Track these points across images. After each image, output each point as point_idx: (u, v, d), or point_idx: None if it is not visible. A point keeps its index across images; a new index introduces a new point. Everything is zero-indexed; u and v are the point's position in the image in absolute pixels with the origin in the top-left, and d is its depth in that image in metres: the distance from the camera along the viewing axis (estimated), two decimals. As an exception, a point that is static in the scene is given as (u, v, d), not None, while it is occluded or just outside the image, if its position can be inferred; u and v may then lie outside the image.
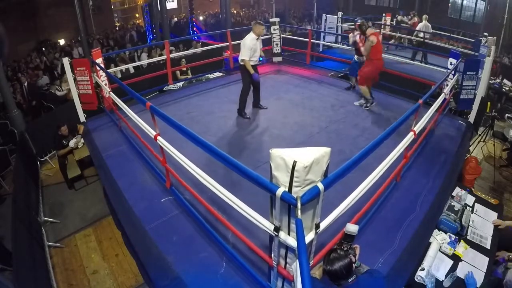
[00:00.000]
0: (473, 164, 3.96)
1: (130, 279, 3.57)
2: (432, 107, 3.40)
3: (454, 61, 4.58)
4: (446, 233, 2.73)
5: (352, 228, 1.68)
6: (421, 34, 8.62)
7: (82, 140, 4.90)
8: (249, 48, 4.21)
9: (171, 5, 18.49)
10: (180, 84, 6.54)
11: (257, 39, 4.34)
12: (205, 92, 5.59)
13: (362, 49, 4.71)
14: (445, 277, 2.38)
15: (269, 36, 6.78)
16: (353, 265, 1.65)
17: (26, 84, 7.05)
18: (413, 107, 2.72)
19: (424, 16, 8.86)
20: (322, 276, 1.77)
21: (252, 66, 4.33)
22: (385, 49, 7.92)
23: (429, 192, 3.02)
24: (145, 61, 8.03)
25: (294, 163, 1.38)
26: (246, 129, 4.24)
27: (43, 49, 12.26)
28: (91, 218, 4.53)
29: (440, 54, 6.45)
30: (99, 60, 4.64)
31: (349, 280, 1.60)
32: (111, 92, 4.02)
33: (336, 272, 1.58)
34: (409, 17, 9.87)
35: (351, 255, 1.65)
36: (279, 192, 1.43)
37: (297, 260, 1.26)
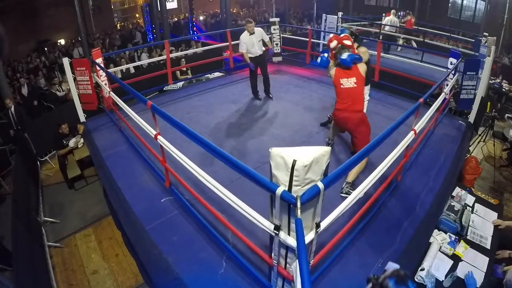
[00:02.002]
0: (473, 164, 3.96)
1: (130, 279, 3.57)
2: (432, 106, 3.40)
3: (454, 61, 4.58)
4: (446, 233, 2.72)
5: (392, 266, 1.62)
6: (387, 28, 9.13)
7: (82, 140, 4.91)
8: (243, 42, 4.87)
9: (171, 5, 18.50)
10: (180, 84, 6.54)
11: (250, 34, 4.87)
12: (205, 92, 5.59)
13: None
14: (445, 277, 2.38)
15: (269, 36, 6.77)
16: None
17: (13, 109, 5.82)
18: (414, 106, 2.72)
19: (392, 11, 9.24)
20: None
21: (253, 58, 4.97)
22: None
23: (429, 192, 3.02)
24: (145, 61, 8.04)
25: (294, 162, 1.38)
26: (246, 129, 4.24)
27: (45, 49, 12.26)
28: (91, 218, 4.53)
29: (440, 54, 6.44)
30: (99, 60, 4.64)
31: None
32: (111, 92, 4.03)
33: None
34: (401, 15, 9.97)
35: None
36: (279, 191, 1.43)
37: (297, 259, 1.26)
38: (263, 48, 5.11)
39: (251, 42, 4.89)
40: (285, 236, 1.56)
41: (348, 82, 2.96)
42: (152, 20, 12.91)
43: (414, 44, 9.08)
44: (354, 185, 2.90)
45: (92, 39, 12.58)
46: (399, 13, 9.62)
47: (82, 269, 3.75)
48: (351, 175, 2.92)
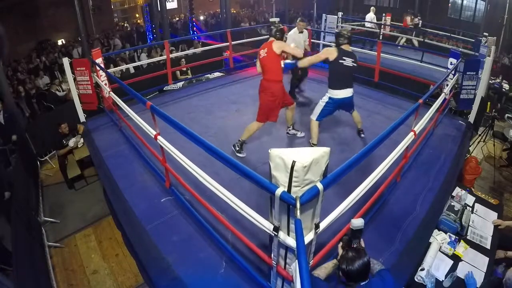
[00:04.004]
0: (473, 164, 3.96)
1: (130, 279, 3.58)
2: (432, 107, 3.40)
3: (454, 61, 4.58)
4: (446, 233, 2.73)
5: (358, 222, 1.64)
6: (368, 25, 9.82)
7: (82, 140, 4.91)
8: (292, 38, 4.88)
9: (171, 5, 18.51)
10: (180, 84, 6.54)
11: (299, 32, 4.95)
12: (205, 92, 5.59)
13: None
14: (445, 277, 2.38)
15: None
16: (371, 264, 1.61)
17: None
18: (413, 106, 2.72)
19: (372, 8, 9.79)
20: (326, 278, 1.75)
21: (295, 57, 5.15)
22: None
23: (429, 192, 3.02)
24: (145, 61, 8.03)
25: (293, 163, 1.38)
26: (246, 129, 4.24)
27: (44, 51, 12.24)
28: (91, 218, 4.54)
29: (440, 54, 6.44)
30: (99, 60, 4.64)
31: (362, 283, 1.57)
32: (111, 92, 4.03)
33: (356, 271, 1.54)
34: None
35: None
36: (278, 192, 1.43)
37: (297, 260, 1.26)
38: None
39: (299, 40, 4.95)
40: (284, 237, 1.56)
41: (263, 52, 3.40)
42: (152, 20, 12.91)
43: (416, 43, 9.26)
44: (244, 143, 3.60)
45: (92, 39, 12.56)
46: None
47: (82, 269, 3.76)
48: (244, 135, 3.55)
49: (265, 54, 3.38)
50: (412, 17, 9.65)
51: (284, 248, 1.66)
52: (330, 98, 3.48)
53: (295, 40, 4.92)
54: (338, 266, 1.67)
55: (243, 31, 11.61)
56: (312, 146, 3.60)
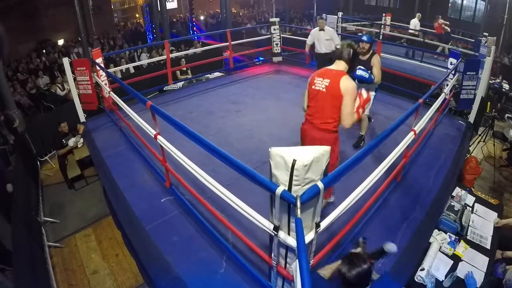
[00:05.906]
0: (473, 164, 3.96)
1: (130, 279, 3.58)
2: (432, 107, 3.40)
3: (454, 61, 4.58)
4: (446, 233, 2.73)
5: (392, 248, 1.76)
6: (411, 32, 9.27)
7: (82, 140, 4.91)
8: (310, 34, 5.52)
9: (171, 5, 18.51)
10: (180, 84, 6.54)
11: (319, 30, 5.39)
12: (205, 92, 5.59)
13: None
14: (445, 277, 2.38)
15: (269, 36, 6.80)
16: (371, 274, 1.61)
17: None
18: (413, 106, 2.72)
19: (418, 14, 9.34)
20: (330, 277, 1.75)
21: (318, 54, 5.55)
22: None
23: (429, 192, 3.02)
24: (145, 61, 8.04)
25: (294, 161, 1.37)
26: (246, 129, 4.24)
27: (43, 50, 12.23)
28: (91, 218, 4.53)
29: (440, 54, 6.45)
30: (99, 60, 4.64)
31: None
32: (111, 92, 4.03)
33: (355, 278, 1.54)
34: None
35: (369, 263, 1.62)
36: (279, 191, 1.43)
37: (297, 259, 1.26)
38: (332, 48, 5.33)
39: (318, 37, 5.38)
40: (284, 236, 1.56)
41: (321, 83, 2.32)
42: (152, 20, 12.91)
43: (447, 52, 8.19)
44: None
45: (91, 39, 12.55)
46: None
47: (82, 269, 3.75)
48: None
49: (324, 89, 2.31)
50: (444, 22, 8.92)
51: (285, 248, 1.65)
52: (376, 89, 3.88)
53: (314, 36, 5.39)
54: (338, 270, 1.66)
55: (243, 31, 11.62)
56: (361, 137, 3.81)
